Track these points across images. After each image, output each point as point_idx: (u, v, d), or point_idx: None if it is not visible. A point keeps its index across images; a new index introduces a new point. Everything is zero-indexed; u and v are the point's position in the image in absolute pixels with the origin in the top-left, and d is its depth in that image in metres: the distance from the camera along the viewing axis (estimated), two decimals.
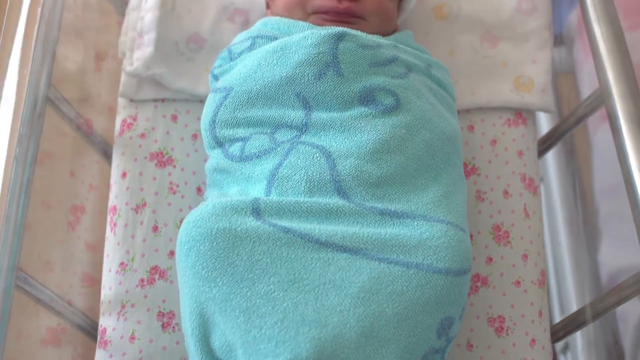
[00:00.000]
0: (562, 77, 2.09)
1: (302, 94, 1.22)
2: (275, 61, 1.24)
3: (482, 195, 1.43)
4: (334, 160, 1.16)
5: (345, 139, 1.18)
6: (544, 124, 1.98)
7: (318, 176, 1.15)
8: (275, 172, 1.16)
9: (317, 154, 1.17)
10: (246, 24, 1.52)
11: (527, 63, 1.51)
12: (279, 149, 1.19)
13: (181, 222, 1.36)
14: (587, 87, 1.88)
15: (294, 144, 1.19)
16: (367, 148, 1.17)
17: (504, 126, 1.48)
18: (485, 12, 1.54)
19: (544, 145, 1.57)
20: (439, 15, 1.56)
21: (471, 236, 1.40)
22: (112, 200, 1.41)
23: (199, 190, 1.42)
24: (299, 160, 1.16)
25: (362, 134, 1.18)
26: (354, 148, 1.17)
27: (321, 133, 1.20)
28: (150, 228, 1.38)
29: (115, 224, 1.39)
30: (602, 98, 1.37)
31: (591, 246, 1.84)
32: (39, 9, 1.22)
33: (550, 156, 2.01)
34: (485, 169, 1.45)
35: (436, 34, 1.55)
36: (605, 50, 1.38)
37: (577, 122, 1.50)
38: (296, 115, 1.22)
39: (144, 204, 1.39)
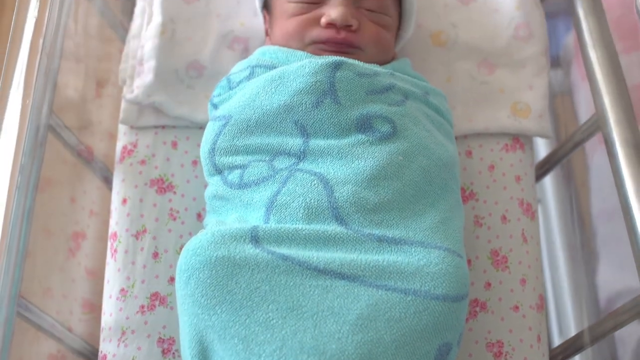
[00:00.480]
0: (559, 98, 2.11)
1: (300, 122, 1.24)
2: (273, 89, 1.25)
3: (480, 221, 1.44)
4: (331, 187, 1.17)
5: (343, 166, 1.20)
6: (542, 147, 1.99)
7: (316, 203, 1.16)
8: (273, 199, 1.18)
9: (315, 181, 1.18)
10: (246, 52, 1.53)
11: (524, 89, 1.52)
12: (277, 176, 1.20)
13: (181, 248, 1.37)
14: (584, 109, 1.89)
15: (292, 171, 1.20)
16: (365, 175, 1.18)
17: (501, 151, 1.49)
18: (482, 39, 1.56)
19: (542, 169, 1.58)
20: (436, 42, 1.57)
21: (469, 261, 1.40)
22: (113, 227, 1.42)
23: (199, 216, 1.43)
24: (297, 187, 1.18)
25: (359, 161, 1.20)
26: (351, 175, 1.18)
27: (319, 160, 1.21)
28: (151, 254, 1.39)
29: (115, 250, 1.39)
30: (598, 124, 1.39)
31: (589, 269, 1.84)
32: (41, 40, 1.23)
33: (548, 178, 2.02)
34: (483, 194, 1.46)
35: (434, 61, 1.56)
36: (601, 76, 1.40)
37: (574, 147, 1.51)
38: (294, 142, 1.23)
39: (145, 230, 1.40)
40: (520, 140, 1.51)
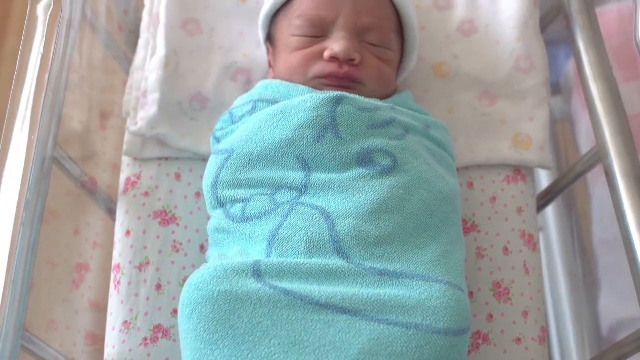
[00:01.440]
0: (560, 125, 2.11)
1: (301, 156, 1.25)
2: (275, 124, 1.27)
3: (482, 252, 1.44)
4: (333, 220, 1.18)
5: (344, 200, 1.21)
6: (543, 176, 2.00)
7: (317, 237, 1.17)
8: (275, 233, 1.18)
9: (317, 215, 1.19)
10: (249, 83, 1.54)
11: (525, 121, 1.53)
12: (279, 210, 1.21)
13: (184, 280, 1.39)
14: (585, 136, 1.90)
15: (294, 205, 1.21)
16: (366, 208, 1.19)
17: (503, 183, 1.50)
18: (483, 70, 1.57)
19: (543, 200, 1.58)
20: (438, 73, 1.58)
21: (472, 293, 1.41)
22: (116, 259, 1.42)
23: (202, 248, 1.44)
24: (299, 221, 1.18)
25: (360, 195, 1.21)
26: (352, 208, 1.19)
27: (320, 194, 1.22)
28: (154, 286, 1.39)
29: (119, 282, 1.40)
30: (599, 155, 1.39)
31: (591, 298, 1.84)
32: (47, 76, 1.24)
33: (550, 206, 2.02)
34: (485, 225, 1.46)
35: (435, 92, 1.57)
36: (601, 108, 1.40)
37: (575, 179, 1.51)
38: (296, 176, 1.24)
39: (148, 262, 1.41)
40: (522, 171, 1.52)
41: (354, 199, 1.20)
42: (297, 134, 1.25)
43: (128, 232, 1.43)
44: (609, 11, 1.97)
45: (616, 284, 1.76)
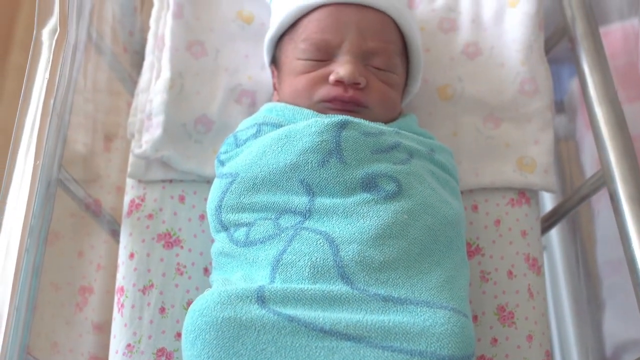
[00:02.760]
0: (564, 144, 2.11)
1: (306, 181, 1.25)
2: (279, 148, 1.27)
3: (487, 276, 1.44)
4: (337, 246, 1.18)
5: (348, 225, 1.21)
6: (547, 197, 2.00)
7: (322, 262, 1.17)
8: (279, 258, 1.18)
9: (321, 240, 1.19)
10: (253, 105, 1.55)
11: (530, 144, 1.53)
12: (282, 235, 1.21)
13: (188, 303, 1.38)
14: (589, 155, 1.90)
15: (298, 229, 1.21)
16: (370, 234, 1.19)
17: (507, 206, 1.50)
18: (488, 93, 1.57)
19: (547, 222, 1.58)
20: (443, 96, 1.58)
21: (476, 317, 1.41)
22: (120, 281, 1.42)
23: (205, 271, 1.44)
24: (303, 247, 1.19)
25: (364, 220, 1.21)
26: (357, 234, 1.19)
27: (324, 219, 1.22)
28: (157, 309, 1.39)
29: (122, 305, 1.40)
30: (604, 179, 1.39)
31: (596, 321, 1.83)
32: (52, 101, 1.24)
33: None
34: (489, 249, 1.46)
35: (440, 115, 1.57)
36: (606, 132, 1.41)
37: (580, 201, 1.51)
38: (300, 201, 1.24)
39: (151, 285, 1.41)
40: (526, 194, 1.51)
41: (358, 224, 1.20)
42: (301, 158, 1.25)
43: (132, 255, 1.43)
44: (613, 30, 1.97)
45: (620, 306, 1.76)
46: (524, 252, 1.46)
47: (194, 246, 1.45)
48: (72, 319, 1.54)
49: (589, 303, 1.87)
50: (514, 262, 1.45)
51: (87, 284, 1.56)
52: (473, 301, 1.40)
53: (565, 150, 2.10)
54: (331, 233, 1.20)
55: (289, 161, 1.26)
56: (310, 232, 1.21)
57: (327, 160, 1.25)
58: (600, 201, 1.82)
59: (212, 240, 1.36)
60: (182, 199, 1.48)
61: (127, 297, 1.40)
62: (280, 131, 1.30)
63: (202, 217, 1.48)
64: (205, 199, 1.47)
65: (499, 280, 1.44)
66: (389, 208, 1.22)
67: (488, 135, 1.55)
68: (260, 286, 1.14)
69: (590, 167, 1.90)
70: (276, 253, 1.20)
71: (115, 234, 1.51)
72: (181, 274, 1.42)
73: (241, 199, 1.27)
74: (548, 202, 2.00)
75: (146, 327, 1.38)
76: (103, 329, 1.54)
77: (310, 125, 1.27)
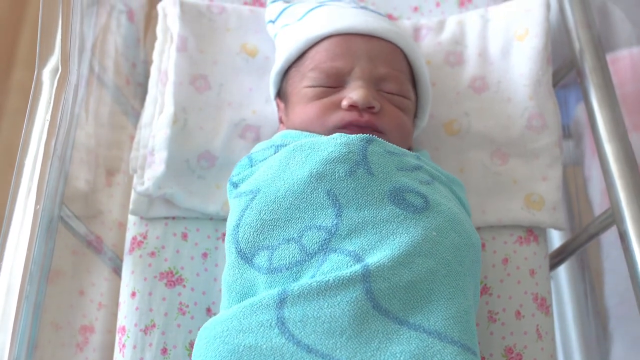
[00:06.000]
0: (571, 170, 2.09)
1: (332, 191, 1.21)
2: (304, 159, 1.24)
3: (495, 316, 1.41)
4: (367, 267, 1.13)
5: (378, 242, 1.17)
6: (555, 232, 1.97)
7: (351, 286, 1.12)
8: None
9: (351, 262, 1.15)
10: (257, 140, 1.52)
11: (538, 180, 1.51)
12: (312, 261, 1.17)
13: (190, 344, 1.37)
14: (597, 183, 1.88)
15: (326, 252, 1.17)
16: (401, 250, 1.15)
17: (515, 244, 1.47)
18: (495, 128, 1.54)
19: (555, 259, 1.55)
20: (449, 131, 1.56)
21: (483, 358, 1.38)
22: (121, 321, 1.40)
23: (208, 311, 1.41)
24: (333, 271, 1.14)
25: (394, 237, 1.17)
26: (387, 251, 1.15)
27: (352, 235, 1.18)
28: (159, 350, 1.37)
29: (124, 345, 1.37)
30: (613, 217, 1.37)
31: (603, 351, 1.82)
32: (53, 142, 1.22)
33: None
34: (497, 288, 1.44)
35: (447, 150, 1.55)
36: (616, 170, 1.39)
37: (589, 239, 1.49)
38: (326, 214, 1.20)
39: (153, 325, 1.38)
40: (534, 232, 1.49)
41: (387, 240, 1.17)
42: (327, 168, 1.22)
43: (133, 294, 1.40)
44: (621, 58, 1.96)
45: (629, 333, 1.74)
46: (532, 292, 1.43)
47: (197, 285, 1.43)
48: None
49: (597, 336, 1.85)
50: (522, 302, 1.42)
51: (88, 323, 1.54)
52: (480, 342, 1.38)
53: (572, 179, 2.08)
54: (360, 252, 1.16)
55: (314, 171, 1.22)
56: (339, 254, 1.16)
57: (355, 171, 1.22)
58: (607, 233, 1.80)
59: (215, 279, 1.34)
60: (184, 236, 1.46)
61: (128, 337, 1.38)
62: (304, 141, 1.26)
63: (205, 255, 1.45)
64: (209, 237, 1.46)
65: (507, 320, 1.41)
66: (419, 224, 1.19)
67: (495, 171, 1.53)
68: (279, 310, 1.12)
69: (597, 195, 1.88)
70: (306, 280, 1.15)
71: (117, 271, 1.49)
72: (183, 313, 1.40)
73: (262, 215, 1.22)
74: (555, 235, 1.97)
75: None
76: None
77: (335, 138, 1.25)
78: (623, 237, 1.33)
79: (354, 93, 1.33)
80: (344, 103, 1.34)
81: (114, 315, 1.45)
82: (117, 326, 1.40)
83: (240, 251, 1.22)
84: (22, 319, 1.15)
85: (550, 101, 1.55)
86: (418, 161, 1.30)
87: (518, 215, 1.48)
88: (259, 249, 1.21)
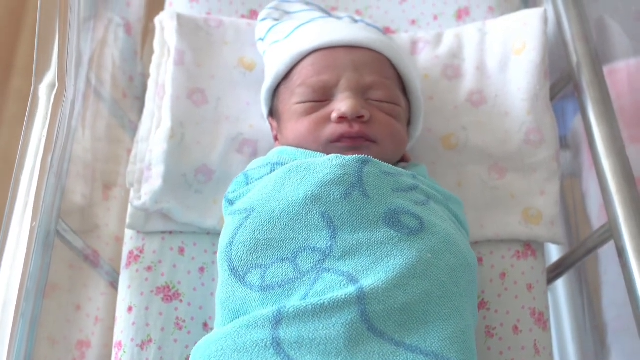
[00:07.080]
0: (569, 181, 2.09)
1: (327, 214, 1.21)
2: (299, 180, 1.24)
3: (492, 331, 1.41)
4: (362, 288, 1.13)
5: (372, 264, 1.17)
6: (552, 245, 1.97)
7: (344, 305, 1.12)
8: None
9: (344, 282, 1.15)
10: (254, 155, 1.52)
11: (536, 195, 1.50)
12: (304, 279, 1.17)
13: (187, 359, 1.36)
14: (594, 195, 1.88)
15: (319, 272, 1.17)
16: (395, 273, 1.15)
17: (513, 258, 1.47)
18: (493, 142, 1.54)
19: (553, 274, 1.55)
20: (447, 145, 1.56)
21: None
22: (118, 335, 1.39)
23: (205, 326, 1.41)
24: (326, 290, 1.14)
25: (388, 259, 1.17)
26: (381, 274, 1.15)
27: (346, 257, 1.18)
28: None
29: None
30: (611, 232, 1.37)
31: None
32: (49, 158, 1.22)
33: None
34: (494, 303, 1.43)
35: (444, 165, 1.55)
36: (614, 186, 1.39)
37: (586, 254, 1.49)
38: (321, 236, 1.20)
39: (150, 340, 1.38)
40: (532, 246, 1.49)
41: (382, 262, 1.17)
42: (323, 190, 1.22)
43: (130, 308, 1.40)
44: (618, 69, 1.96)
45: (628, 347, 1.74)
46: (530, 307, 1.43)
47: (194, 300, 1.42)
48: None
49: (595, 351, 1.84)
50: (520, 317, 1.42)
51: (85, 337, 1.53)
52: (478, 358, 1.37)
53: (570, 192, 2.07)
54: (354, 274, 1.16)
55: (309, 192, 1.22)
56: (333, 274, 1.17)
57: (350, 193, 1.22)
58: (605, 247, 1.80)
59: (212, 294, 1.33)
60: (181, 250, 1.46)
61: (125, 352, 1.37)
62: (299, 163, 1.26)
63: (202, 269, 1.45)
64: (206, 251, 1.46)
65: (504, 335, 1.41)
66: (413, 246, 1.19)
67: (493, 185, 1.52)
68: (275, 330, 1.11)
69: (595, 208, 1.88)
70: (298, 298, 1.15)
71: (114, 285, 1.49)
72: (180, 328, 1.40)
73: (256, 234, 1.22)
74: (553, 248, 1.97)
75: None
76: None
77: (331, 159, 1.25)
78: (621, 253, 1.33)
79: (342, 104, 1.34)
80: (333, 115, 1.34)
81: (110, 329, 1.44)
82: (114, 341, 1.40)
83: (233, 269, 1.22)
84: (18, 334, 1.15)
85: (548, 115, 1.55)
86: (414, 180, 1.30)
87: (516, 230, 1.48)
88: (251, 267, 1.21)
